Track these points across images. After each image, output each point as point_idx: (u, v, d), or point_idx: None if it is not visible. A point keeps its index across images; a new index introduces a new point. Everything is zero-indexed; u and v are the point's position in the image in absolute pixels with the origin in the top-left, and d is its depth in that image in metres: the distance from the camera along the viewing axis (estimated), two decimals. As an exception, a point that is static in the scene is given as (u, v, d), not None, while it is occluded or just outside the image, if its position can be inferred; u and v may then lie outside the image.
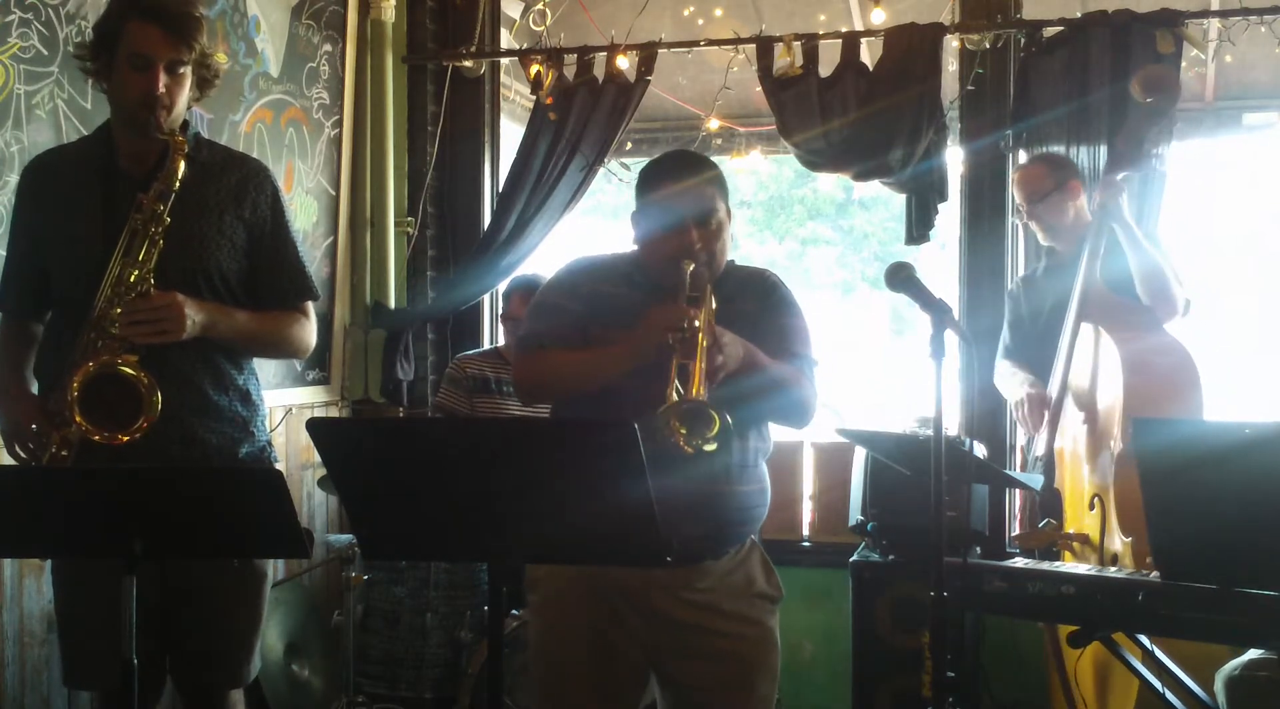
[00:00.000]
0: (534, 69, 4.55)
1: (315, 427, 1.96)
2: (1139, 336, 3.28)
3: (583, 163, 4.49)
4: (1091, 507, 3.22)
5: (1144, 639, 2.73)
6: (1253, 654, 2.99)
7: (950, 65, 4.40)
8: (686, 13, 5.16)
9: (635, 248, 2.53)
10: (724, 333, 2.27)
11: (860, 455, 3.98)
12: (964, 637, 3.81)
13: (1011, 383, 3.70)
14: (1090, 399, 3.33)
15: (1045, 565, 2.66)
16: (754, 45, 4.33)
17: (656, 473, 2.10)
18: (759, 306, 2.49)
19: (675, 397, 2.20)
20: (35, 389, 2.60)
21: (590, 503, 1.96)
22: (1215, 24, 4.25)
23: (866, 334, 11.39)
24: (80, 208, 2.49)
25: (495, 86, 4.90)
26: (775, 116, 4.35)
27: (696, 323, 2.22)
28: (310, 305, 2.68)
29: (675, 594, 2.42)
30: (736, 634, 2.46)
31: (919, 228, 4.27)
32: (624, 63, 4.48)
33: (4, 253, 2.82)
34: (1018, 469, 4.02)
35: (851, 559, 3.92)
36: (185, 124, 2.52)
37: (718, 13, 5.05)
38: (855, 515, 3.94)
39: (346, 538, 3.93)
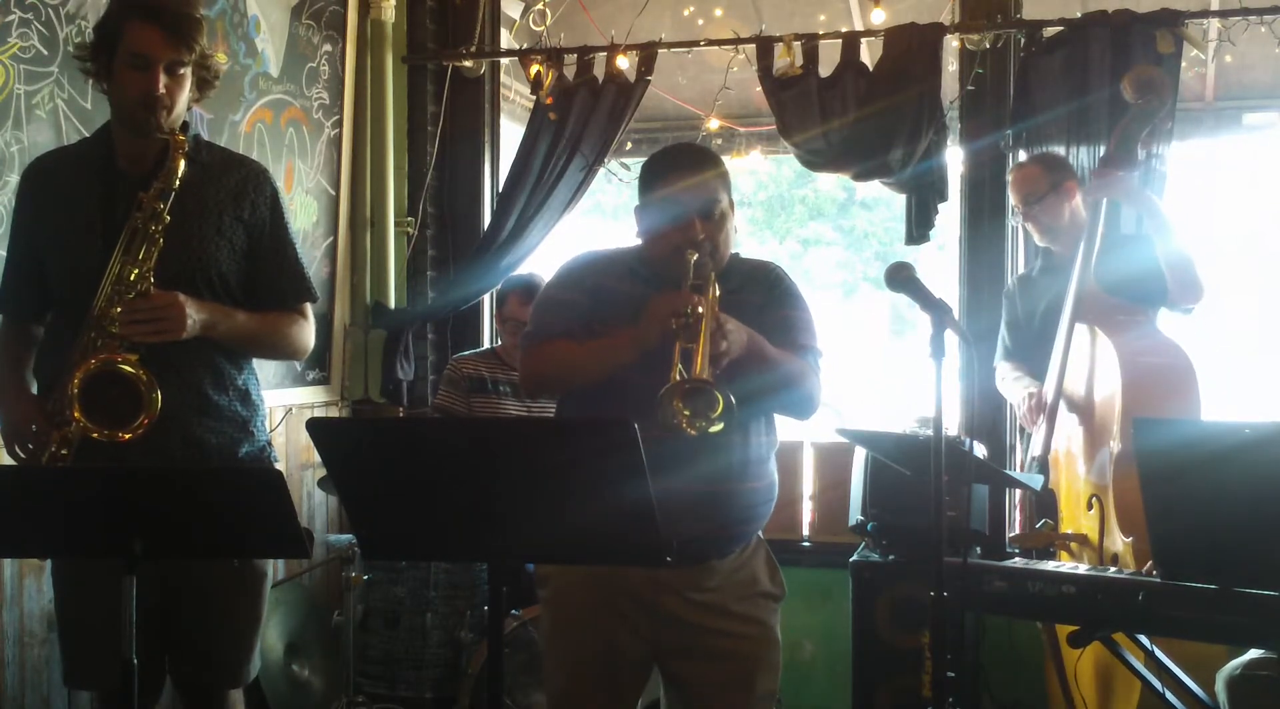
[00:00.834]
0: (534, 69, 4.55)
1: (315, 427, 1.96)
2: (1135, 336, 3.28)
3: (583, 163, 4.49)
4: (1089, 507, 3.22)
5: (1144, 639, 2.74)
6: (1253, 654, 2.99)
7: (950, 65, 4.40)
8: (686, 13, 5.16)
9: (638, 242, 2.53)
10: (728, 319, 2.28)
11: (860, 455, 3.98)
12: (964, 637, 3.81)
13: (1015, 388, 3.70)
14: (1087, 400, 3.33)
15: (1045, 565, 2.66)
16: (754, 45, 4.34)
17: (661, 472, 2.11)
18: (763, 298, 2.49)
19: (679, 378, 2.19)
20: (34, 389, 2.60)
21: (590, 503, 1.96)
22: (1215, 24, 4.25)
23: (867, 334, 11.39)
24: (80, 208, 2.49)
25: (495, 86, 4.90)
26: (775, 116, 4.35)
27: (700, 309, 2.23)
28: (309, 307, 2.68)
29: (682, 595, 2.43)
30: (740, 634, 2.47)
31: (919, 228, 4.27)
32: (624, 63, 4.48)
33: (4, 253, 2.82)
34: (1019, 469, 4.02)
35: (851, 559, 3.92)
36: (185, 124, 2.52)
37: (718, 13, 5.05)
38: (855, 515, 3.94)
39: (346, 538, 3.94)
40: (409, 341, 4.69)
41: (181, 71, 2.43)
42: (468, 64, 4.74)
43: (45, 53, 3.18)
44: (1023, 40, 4.20)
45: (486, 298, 4.83)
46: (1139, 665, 2.80)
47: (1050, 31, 4.16)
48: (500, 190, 4.74)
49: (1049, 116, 4.12)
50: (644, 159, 2.57)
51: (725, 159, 2.63)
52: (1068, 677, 3.17)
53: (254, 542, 2.23)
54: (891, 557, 3.84)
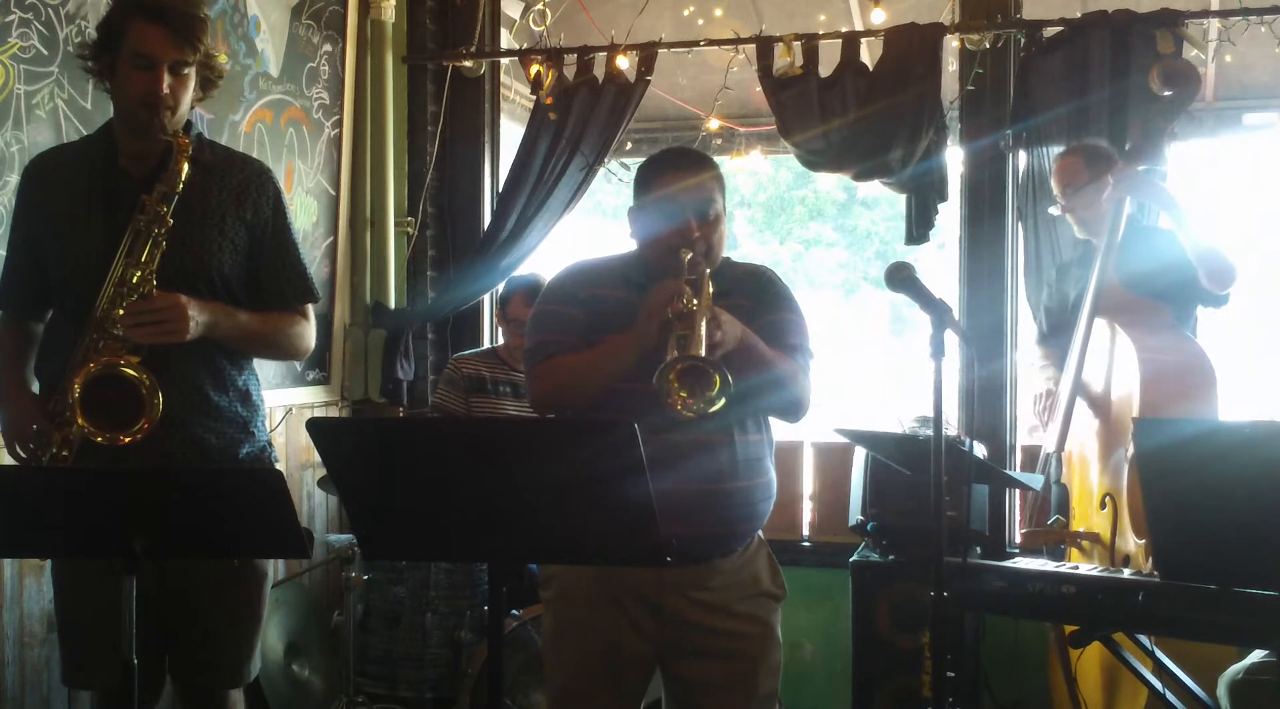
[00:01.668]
0: (534, 69, 4.55)
1: (315, 426, 1.97)
2: (1155, 335, 3.26)
3: (583, 163, 4.49)
4: (1103, 506, 3.22)
5: (1146, 642, 2.73)
6: (1255, 658, 2.99)
7: (950, 65, 4.40)
8: (686, 13, 5.16)
9: (631, 248, 2.54)
10: (722, 312, 2.29)
11: (860, 455, 3.98)
12: (964, 637, 3.81)
13: (1038, 376, 3.69)
14: (1104, 397, 3.31)
15: (1045, 565, 2.66)
16: (754, 45, 4.33)
17: (659, 472, 2.11)
18: (755, 301, 2.50)
19: (675, 354, 2.19)
20: (35, 389, 2.60)
21: (590, 503, 1.96)
22: (1215, 24, 4.25)
23: (867, 334, 11.40)
24: (81, 208, 2.49)
25: (495, 86, 4.90)
26: (775, 116, 4.35)
27: (695, 300, 2.24)
28: (310, 308, 2.68)
29: (686, 594, 2.43)
30: (742, 633, 2.47)
31: (919, 228, 4.27)
32: (624, 63, 4.48)
33: (4, 253, 2.82)
34: (1019, 469, 4.02)
35: (851, 559, 3.92)
36: (189, 125, 2.52)
37: (718, 13, 5.05)
38: (855, 515, 3.94)
39: (346, 538, 3.93)
40: (409, 341, 4.69)
41: (185, 71, 2.43)
42: (468, 64, 4.74)
43: (45, 53, 3.18)
44: (1023, 40, 4.20)
45: (486, 298, 4.83)
46: (1139, 667, 2.80)
47: (1050, 31, 4.16)
48: (500, 190, 4.74)
49: (1049, 116, 4.12)
50: (644, 159, 2.57)
51: (725, 159, 2.64)
52: (1073, 677, 3.17)
53: (254, 542, 2.23)
54: (891, 557, 3.84)
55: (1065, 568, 2.60)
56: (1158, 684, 2.75)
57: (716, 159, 2.62)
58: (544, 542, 2.07)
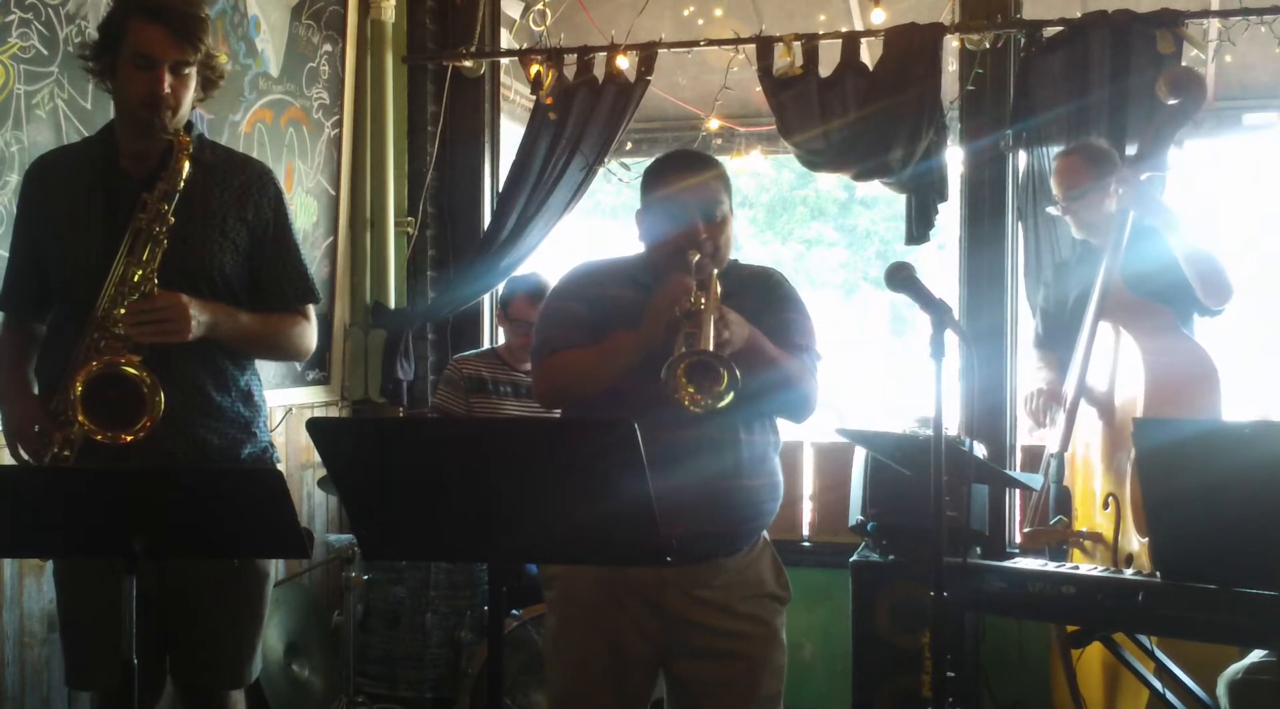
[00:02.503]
0: (534, 69, 4.55)
1: (315, 426, 1.96)
2: (1160, 337, 3.26)
3: (583, 163, 4.49)
4: (1105, 506, 3.22)
5: (1146, 642, 2.73)
6: (1255, 658, 2.99)
7: (950, 65, 4.40)
8: (686, 13, 5.16)
9: (639, 249, 2.55)
10: (730, 311, 2.29)
11: (860, 455, 3.98)
12: (964, 637, 3.81)
13: (1034, 376, 3.69)
14: (1108, 398, 3.32)
15: (1045, 565, 2.66)
16: (754, 45, 4.34)
17: (665, 469, 2.11)
18: (762, 303, 2.50)
19: (683, 350, 2.20)
20: (36, 388, 2.60)
21: (590, 503, 1.96)
22: (1215, 24, 4.25)
23: (867, 334, 11.39)
24: (83, 207, 2.49)
25: (495, 86, 4.90)
26: (775, 116, 4.35)
27: (703, 299, 2.25)
28: (311, 308, 2.68)
29: (689, 593, 2.43)
30: (745, 634, 2.47)
31: (919, 228, 4.27)
32: (624, 63, 4.48)
33: (4, 253, 2.82)
34: (1018, 469, 4.02)
35: (851, 559, 3.92)
36: (190, 125, 2.52)
37: (718, 13, 5.05)
38: (855, 515, 3.94)
39: (346, 538, 3.94)
40: (409, 341, 4.69)
41: (186, 71, 2.43)
42: (468, 64, 4.74)
43: (45, 53, 3.18)
44: (1023, 40, 4.20)
45: (486, 298, 4.83)
46: (1139, 667, 2.80)
47: (1050, 31, 4.16)
48: (500, 190, 4.74)
49: (1049, 116, 4.12)
50: (644, 159, 2.59)
51: (725, 159, 2.65)
52: (1075, 676, 3.17)
53: (254, 542, 2.23)
54: (891, 557, 3.84)
55: (1065, 568, 2.60)
56: (1157, 684, 2.75)
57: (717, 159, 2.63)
58: (544, 542, 2.07)
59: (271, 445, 2.66)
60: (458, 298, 4.69)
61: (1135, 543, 3.08)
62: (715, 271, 2.40)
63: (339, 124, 4.51)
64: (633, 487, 1.90)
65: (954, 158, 4.36)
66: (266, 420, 2.67)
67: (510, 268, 4.54)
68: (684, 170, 2.47)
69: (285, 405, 4.24)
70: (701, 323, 2.21)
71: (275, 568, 4.03)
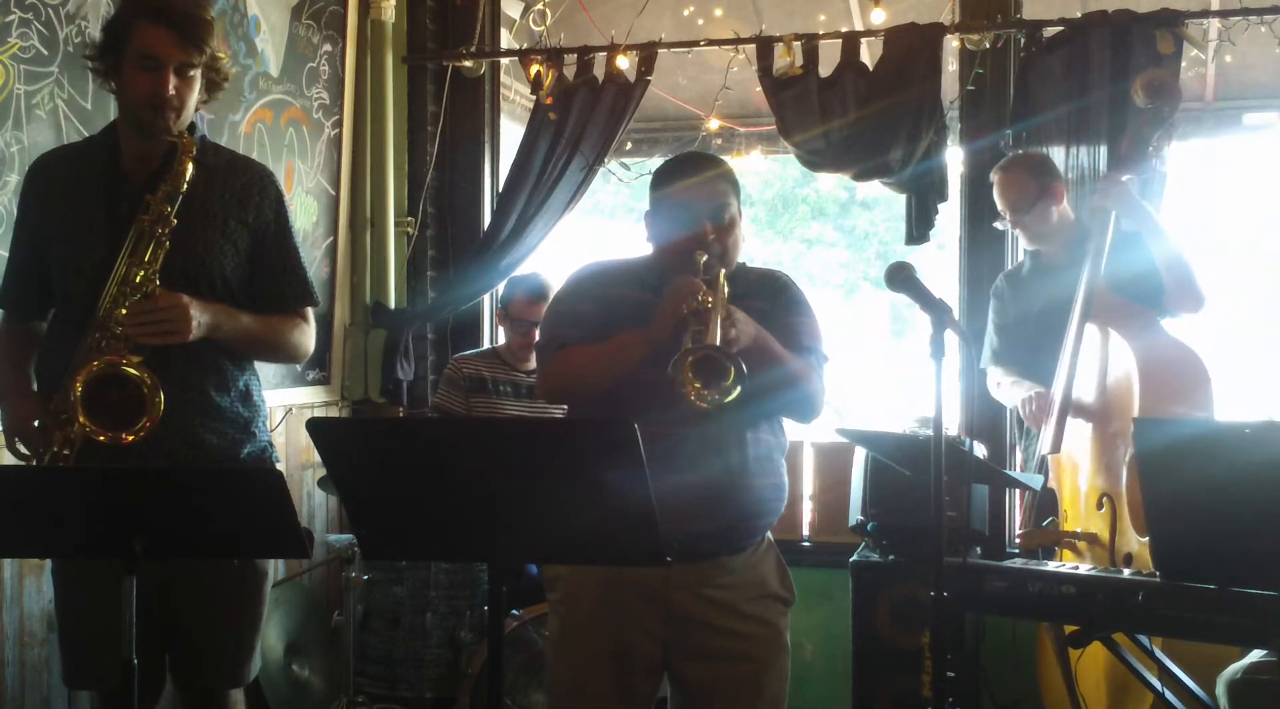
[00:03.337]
0: (534, 69, 4.55)
1: (315, 427, 1.97)
2: (1149, 337, 3.28)
3: (583, 163, 4.49)
4: (1100, 506, 3.22)
5: (1146, 642, 2.73)
6: (1254, 657, 2.99)
7: (950, 65, 4.40)
8: (686, 13, 5.16)
9: (646, 250, 2.57)
10: (737, 310, 2.30)
11: (860, 455, 3.98)
12: (964, 637, 3.80)
13: (1014, 391, 3.70)
14: (1098, 399, 3.32)
15: (1045, 565, 2.66)
16: (754, 45, 4.33)
17: (669, 467, 2.12)
18: (770, 305, 2.51)
19: (690, 345, 2.21)
20: (35, 387, 2.59)
21: (590, 502, 1.97)
22: (1215, 24, 4.25)
23: (868, 334, 11.39)
24: (84, 207, 2.49)
25: (495, 86, 4.90)
26: (775, 116, 4.35)
27: (710, 299, 2.26)
28: (310, 310, 2.68)
29: (695, 592, 2.43)
30: (749, 635, 2.47)
31: (919, 228, 4.27)
32: (624, 63, 4.48)
33: (4, 253, 2.82)
34: (1019, 469, 4.02)
35: (851, 559, 3.92)
36: (192, 126, 2.52)
37: (718, 13, 5.05)
38: (855, 515, 3.94)
39: (346, 538, 3.94)
40: (409, 341, 4.69)
41: (191, 73, 2.44)
42: (468, 64, 4.74)
43: (45, 53, 3.18)
44: (1023, 40, 4.20)
45: (486, 298, 4.83)
46: (1139, 666, 2.79)
47: (1050, 31, 4.16)
48: (500, 190, 4.74)
49: (1049, 116, 4.12)
50: (644, 159, 2.60)
51: (725, 159, 2.65)
52: (1073, 677, 3.17)
53: (254, 542, 2.23)
54: (891, 557, 3.84)
55: (1065, 568, 2.60)
56: (1157, 684, 2.75)
57: (717, 160, 2.63)
58: (544, 541, 2.07)
59: (271, 445, 2.66)
60: (458, 298, 4.69)
61: (1134, 543, 3.08)
62: (723, 273, 2.40)
63: (339, 124, 4.51)
64: (633, 486, 1.90)
65: (954, 158, 4.36)
66: (266, 420, 2.67)
67: (510, 268, 4.54)
68: (693, 172, 2.48)
69: (285, 405, 4.24)
70: (709, 321, 2.22)
71: (275, 568, 4.05)
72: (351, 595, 3.89)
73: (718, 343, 2.19)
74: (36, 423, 2.46)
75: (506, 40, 4.97)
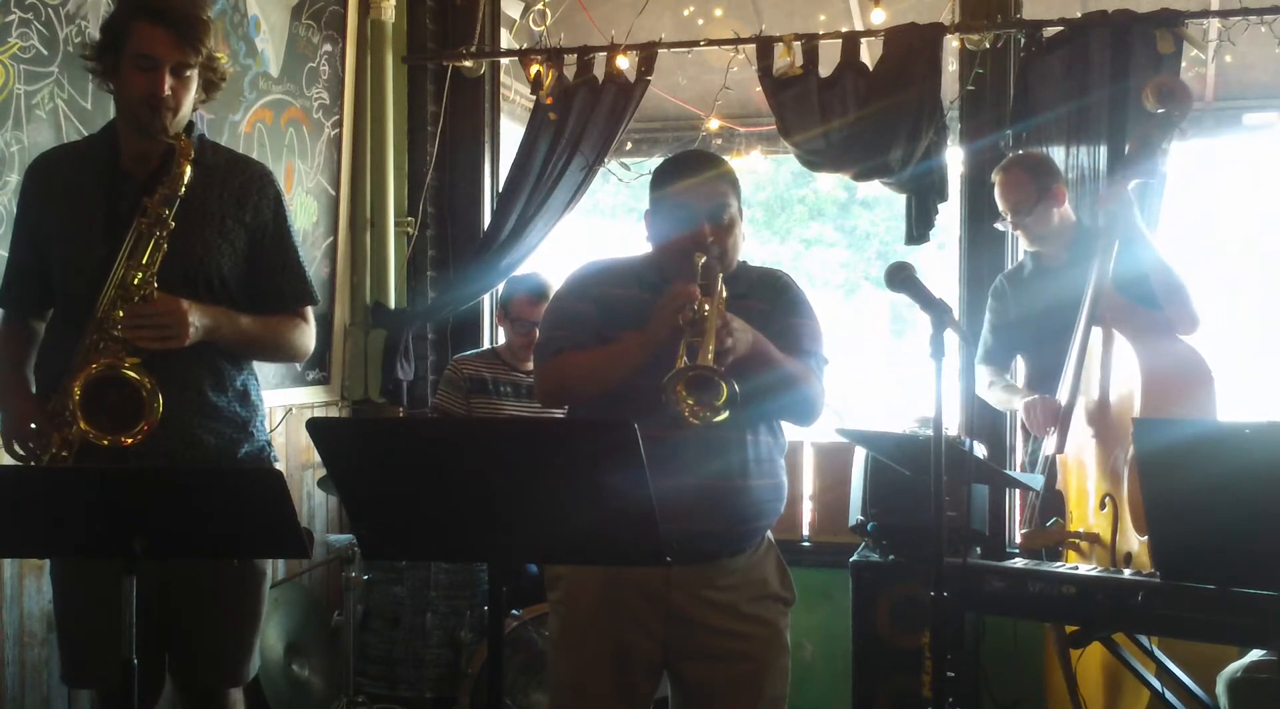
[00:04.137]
0: (534, 69, 4.55)
1: (315, 427, 1.97)
2: (1153, 338, 3.27)
3: (583, 163, 4.49)
4: (1102, 506, 3.22)
5: (1146, 641, 2.73)
6: (1254, 656, 2.99)
7: (950, 65, 4.40)
8: (686, 13, 5.16)
9: (646, 250, 2.56)
10: (734, 318, 2.29)
11: (860, 455, 3.98)
12: (964, 637, 3.80)
13: (1005, 396, 3.69)
14: (1102, 400, 3.32)
15: (1045, 565, 2.66)
16: (754, 45, 4.34)
17: (668, 468, 2.12)
18: (770, 305, 2.51)
19: (683, 364, 2.20)
20: (34, 387, 2.59)
21: (590, 503, 1.97)
22: (1215, 24, 4.25)
23: (867, 334, 11.39)
24: (83, 207, 2.49)
25: (495, 86, 4.90)
26: (775, 116, 4.35)
27: (706, 307, 2.25)
28: (310, 310, 2.68)
29: (695, 593, 2.43)
30: (750, 635, 2.47)
31: (919, 228, 4.27)
32: (624, 63, 4.48)
33: (4, 253, 2.82)
34: (1018, 469, 4.02)
35: (851, 559, 3.92)
36: (191, 126, 2.52)
37: (718, 13, 5.05)
38: (855, 515, 3.94)
39: (346, 538, 3.94)
40: (409, 341, 4.69)
41: (188, 73, 2.44)
42: (468, 64, 4.74)
43: (45, 53, 3.18)
44: (1023, 40, 4.20)
45: (486, 298, 4.83)
46: (1139, 666, 2.80)
47: (1050, 31, 4.16)
48: (500, 190, 4.75)
49: (1049, 116, 4.12)
50: (644, 159, 2.60)
51: (725, 159, 2.65)
52: (1074, 677, 3.17)
53: (254, 542, 2.23)
54: (891, 557, 3.84)
55: (1065, 568, 2.60)
56: (1157, 684, 2.75)
57: (717, 159, 2.63)
58: (544, 541, 2.07)
59: (269, 445, 2.66)
60: (458, 298, 4.69)
61: (1134, 542, 3.08)
62: (721, 275, 2.40)
63: (339, 124, 4.51)
64: (633, 487, 1.90)
65: (954, 158, 4.36)
66: (264, 420, 2.67)
67: (510, 268, 4.54)
68: (692, 172, 2.48)
69: (285, 405, 4.24)
70: (705, 331, 2.21)
71: (275, 568, 4.06)
72: (351, 595, 3.89)
73: (711, 359, 2.18)
74: (33, 424, 2.46)
75: (506, 40, 4.97)
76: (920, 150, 4.17)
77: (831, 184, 10.74)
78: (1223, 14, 4.23)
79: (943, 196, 4.25)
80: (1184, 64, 4.10)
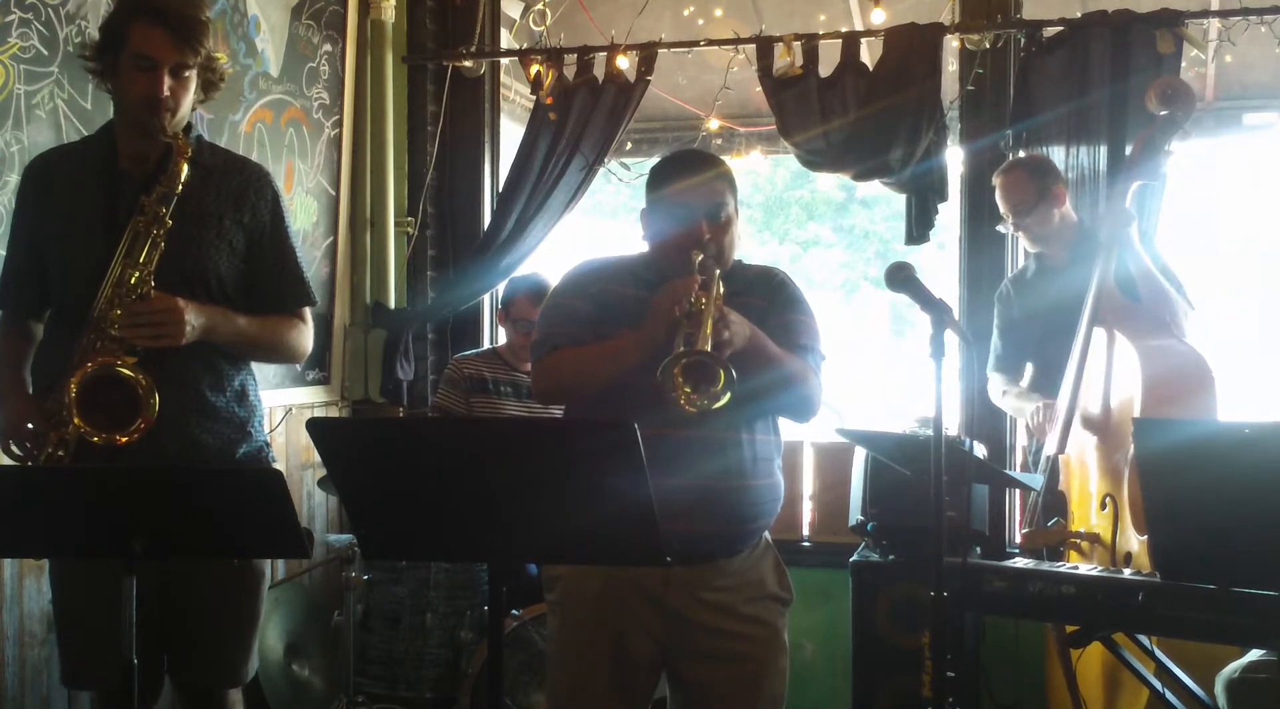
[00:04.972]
0: (534, 69, 4.55)
1: (315, 426, 1.97)
2: (1154, 339, 3.28)
3: (583, 163, 4.49)
4: (1103, 506, 3.22)
5: (1146, 641, 2.73)
6: (1253, 656, 3.00)
7: (950, 65, 4.40)
8: (686, 13, 5.16)
9: (642, 248, 2.56)
10: (731, 312, 2.29)
11: (860, 455, 3.98)
12: (964, 637, 3.80)
13: (1018, 403, 3.70)
14: (1104, 401, 3.32)
15: (1045, 565, 2.66)
16: (754, 45, 4.34)
17: (666, 469, 2.11)
18: (767, 303, 2.51)
19: (680, 349, 2.20)
20: (30, 387, 2.59)
21: (590, 503, 1.97)
22: (1215, 24, 4.25)
23: (867, 334, 11.39)
24: (81, 207, 2.49)
25: (495, 86, 4.90)
26: (775, 116, 4.35)
27: (703, 300, 2.25)
28: (308, 311, 2.68)
29: (693, 594, 2.43)
30: (748, 636, 2.47)
31: (919, 228, 4.27)
32: (624, 63, 4.48)
33: (4, 252, 2.82)
34: (1018, 469, 4.02)
35: (851, 559, 3.92)
36: (189, 126, 2.52)
37: (718, 13, 5.05)
38: (855, 515, 3.94)
39: (346, 538, 3.94)
40: (409, 341, 4.69)
41: (187, 74, 2.44)
42: (468, 64, 4.74)
43: (45, 53, 3.18)
44: (1023, 40, 4.20)
45: (486, 298, 4.83)
46: (1139, 666, 2.80)
47: (1050, 31, 4.16)
48: (500, 190, 4.74)
49: (1049, 116, 4.12)
50: (644, 159, 2.60)
51: (725, 159, 2.65)
52: (1074, 676, 3.17)
53: (254, 542, 2.23)
54: (891, 557, 3.84)
55: (1065, 568, 2.60)
56: (1157, 684, 2.75)
57: (716, 160, 2.63)
58: (544, 542, 2.07)
59: (267, 445, 2.66)
60: (458, 298, 4.69)
61: (1134, 542, 3.08)
62: (718, 272, 2.40)
63: (339, 124, 4.51)
64: (633, 487, 1.90)
65: (954, 158, 4.36)
66: (263, 420, 2.67)
67: (510, 268, 4.54)
68: (689, 170, 2.48)
69: (285, 405, 4.24)
70: (701, 323, 2.21)
71: (275, 568, 4.06)
72: (351, 595, 3.89)
73: (708, 347, 2.18)
74: (30, 425, 2.46)
75: (506, 40, 4.97)
76: (920, 150, 4.17)
77: (830, 184, 10.75)
78: (1223, 14, 4.23)
79: (943, 196, 4.25)
80: (1184, 64, 4.10)
